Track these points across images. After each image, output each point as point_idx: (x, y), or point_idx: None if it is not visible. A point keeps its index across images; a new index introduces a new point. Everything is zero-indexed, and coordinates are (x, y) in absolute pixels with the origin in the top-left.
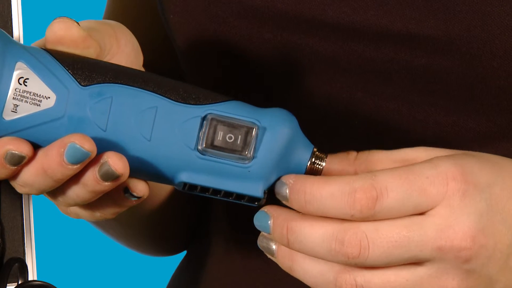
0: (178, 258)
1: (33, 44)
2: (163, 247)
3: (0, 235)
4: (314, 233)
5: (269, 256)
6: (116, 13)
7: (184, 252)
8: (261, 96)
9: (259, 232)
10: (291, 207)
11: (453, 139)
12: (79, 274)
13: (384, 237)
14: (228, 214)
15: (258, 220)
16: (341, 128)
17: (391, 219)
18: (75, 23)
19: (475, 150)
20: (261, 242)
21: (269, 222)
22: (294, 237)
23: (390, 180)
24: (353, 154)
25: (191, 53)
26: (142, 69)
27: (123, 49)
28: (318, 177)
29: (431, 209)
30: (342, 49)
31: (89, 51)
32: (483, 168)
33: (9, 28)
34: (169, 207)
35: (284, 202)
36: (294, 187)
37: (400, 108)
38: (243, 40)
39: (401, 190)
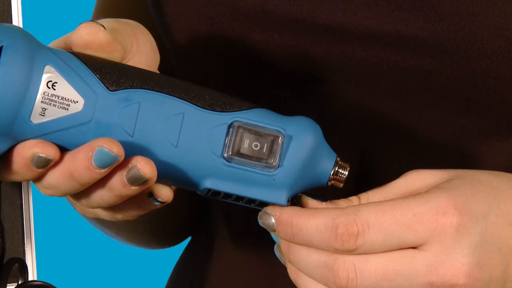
0: (174, 259)
1: (51, 44)
2: (165, 238)
3: (0, 235)
4: (309, 258)
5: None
6: (107, 12)
7: (183, 246)
8: (253, 95)
9: (258, 228)
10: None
11: (447, 136)
12: (79, 274)
13: (372, 269)
14: (230, 212)
15: (274, 237)
16: (334, 124)
17: (383, 252)
18: (102, 27)
19: (469, 148)
20: (277, 250)
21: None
22: (293, 257)
23: (372, 216)
24: (355, 199)
25: (184, 54)
26: (157, 70)
27: (142, 48)
28: (304, 209)
29: (422, 244)
30: (332, 50)
31: (115, 55)
32: (477, 195)
33: None
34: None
35: (270, 231)
36: (281, 219)
37: (394, 105)
38: (235, 41)
39: (383, 227)
